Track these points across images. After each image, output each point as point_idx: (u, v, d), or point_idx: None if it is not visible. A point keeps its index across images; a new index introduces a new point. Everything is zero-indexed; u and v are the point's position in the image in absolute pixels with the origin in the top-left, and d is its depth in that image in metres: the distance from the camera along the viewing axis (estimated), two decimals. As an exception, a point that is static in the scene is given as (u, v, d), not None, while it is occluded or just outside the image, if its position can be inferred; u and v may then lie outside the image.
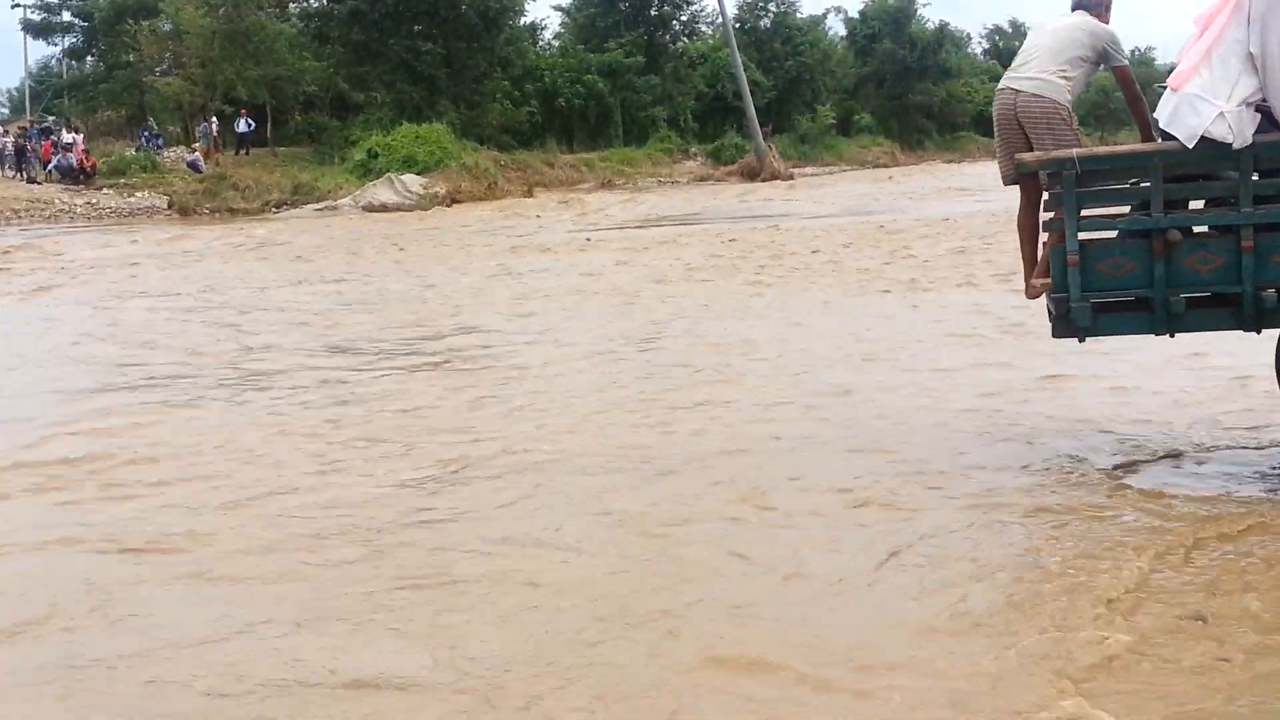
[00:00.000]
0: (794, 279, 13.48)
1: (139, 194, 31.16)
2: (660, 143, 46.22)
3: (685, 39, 53.28)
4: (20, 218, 28.43)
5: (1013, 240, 6.24)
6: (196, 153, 33.53)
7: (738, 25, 52.05)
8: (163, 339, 10.62)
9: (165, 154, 34.46)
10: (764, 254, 16.17)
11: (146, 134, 35.08)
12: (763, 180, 40.94)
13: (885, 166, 50.75)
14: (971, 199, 26.13)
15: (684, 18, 53.15)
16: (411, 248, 19.72)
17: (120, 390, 8.25)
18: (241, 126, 35.74)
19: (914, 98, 60.90)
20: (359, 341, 10.22)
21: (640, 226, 23.32)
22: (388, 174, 32.32)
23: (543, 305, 12.11)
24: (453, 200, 31.45)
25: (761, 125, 44.71)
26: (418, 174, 32.69)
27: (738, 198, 32.25)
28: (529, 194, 33.92)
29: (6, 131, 35.94)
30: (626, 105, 46.66)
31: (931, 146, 61.15)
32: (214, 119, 35.66)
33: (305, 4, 42.48)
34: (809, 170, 46.56)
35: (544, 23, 50.77)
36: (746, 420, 6.75)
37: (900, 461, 5.72)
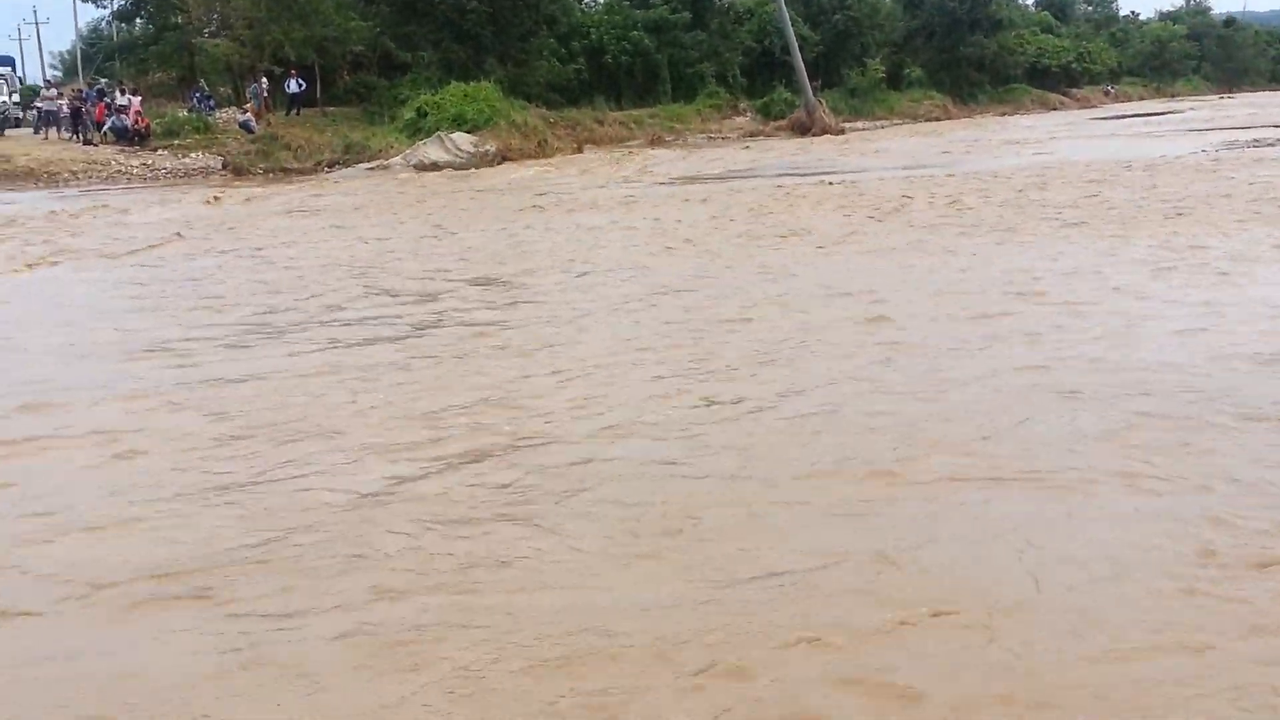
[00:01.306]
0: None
1: (193, 155, 31.54)
2: (709, 99, 46.22)
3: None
4: (78, 179, 28.96)
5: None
6: (248, 113, 33.86)
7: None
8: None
9: (217, 115, 34.75)
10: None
11: (198, 95, 35.43)
12: (813, 135, 40.98)
13: (937, 120, 50.54)
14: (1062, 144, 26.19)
15: (730, -28, 52.93)
16: (482, 205, 20.03)
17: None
18: (292, 87, 36.06)
19: (965, 50, 60.37)
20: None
21: (718, 179, 23.56)
22: (438, 132, 32.55)
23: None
24: (503, 158, 31.71)
25: (811, 80, 44.64)
26: (467, 132, 32.93)
27: (792, 153, 32.40)
28: (579, 151, 34.17)
29: (61, 94, 36.55)
30: (674, 62, 46.64)
31: (984, 99, 60.70)
32: (264, 79, 35.97)
33: (350, -37, 42.60)
34: (860, 125, 46.49)
35: (590, -19, 50.38)
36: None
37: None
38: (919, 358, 7.26)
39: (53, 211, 20.49)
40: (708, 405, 6.37)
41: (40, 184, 28.08)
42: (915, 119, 51.54)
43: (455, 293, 10.50)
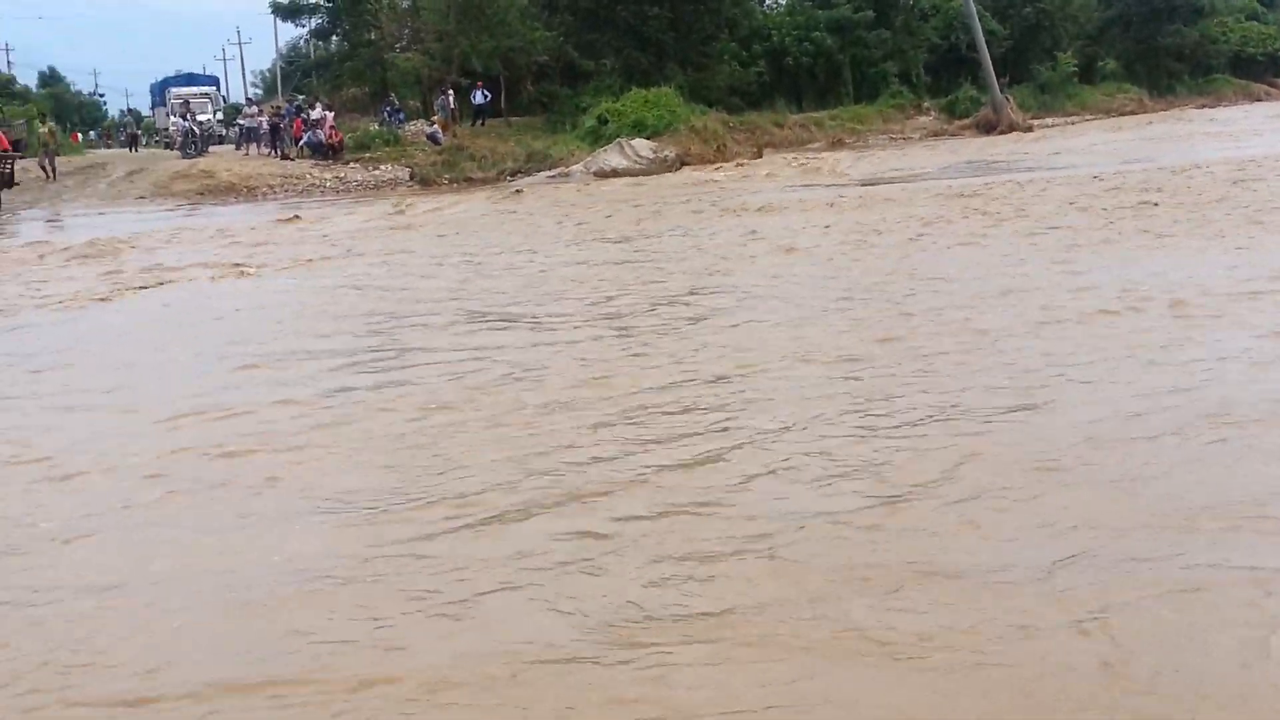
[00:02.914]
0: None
1: (383, 167, 32.47)
2: (892, 99, 45.50)
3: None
4: (275, 192, 30.15)
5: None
6: (435, 125, 34.71)
7: (972, -27, 50.60)
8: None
9: (406, 128, 35.72)
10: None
11: (389, 109, 36.51)
12: (1000, 133, 39.90)
13: (1132, 114, 48.57)
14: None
15: (914, -31, 52.03)
16: (663, 208, 20.07)
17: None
18: (478, 98, 36.93)
19: (1163, 40, 58.01)
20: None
21: (897, 181, 23.15)
22: (618, 139, 32.83)
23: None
24: (682, 163, 31.74)
25: (998, 76, 43.48)
26: (647, 138, 33.11)
27: (977, 150, 31.61)
28: (758, 155, 33.92)
29: (262, 111, 38.16)
30: (856, 61, 46.09)
31: (1182, 91, 58.19)
32: (451, 92, 36.88)
33: (537, -25, 43.37)
34: (1049, 121, 45.07)
35: (770, -19, 50.14)
36: None
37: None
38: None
39: (252, 226, 21.30)
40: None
41: (241, 198, 29.32)
42: (1108, 113, 49.71)
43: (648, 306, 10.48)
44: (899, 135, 41.37)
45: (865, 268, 11.53)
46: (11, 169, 27.87)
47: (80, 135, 58.38)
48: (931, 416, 6.08)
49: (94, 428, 6.84)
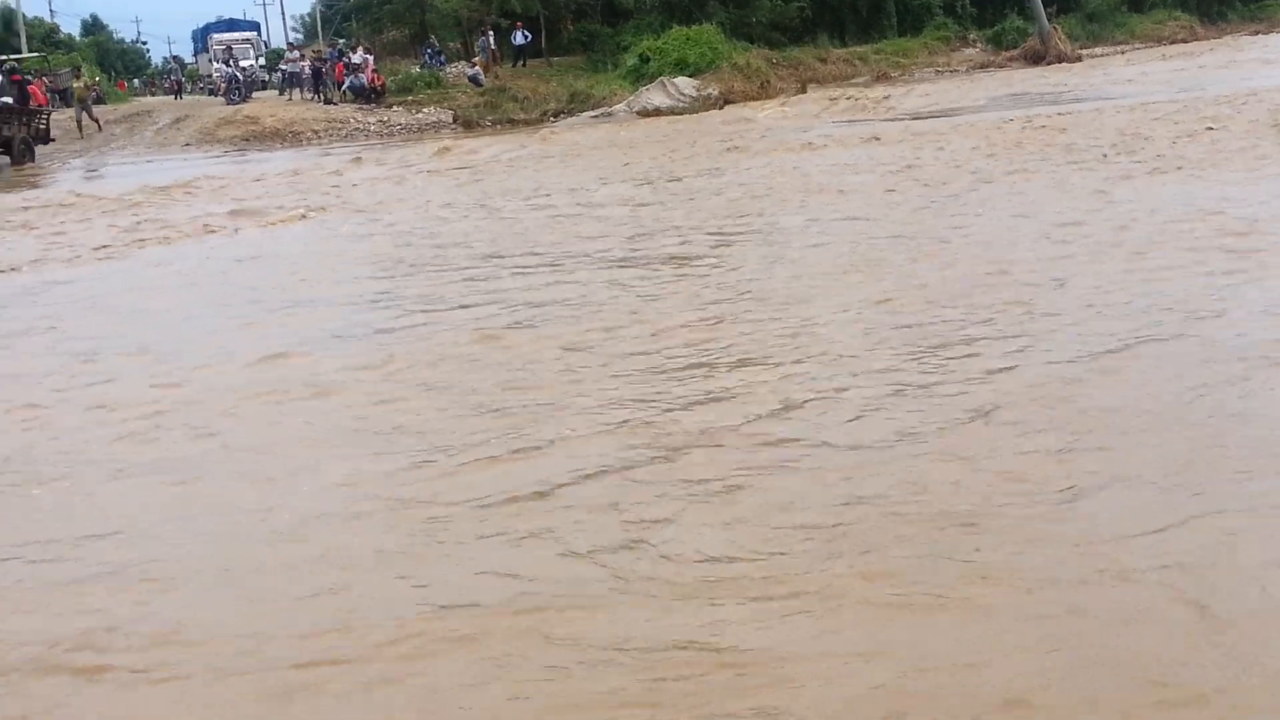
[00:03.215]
0: None
1: (425, 110, 32.47)
2: (936, 31, 44.82)
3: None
4: (320, 137, 30.26)
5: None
6: (476, 67, 34.64)
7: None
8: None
9: (447, 70, 35.69)
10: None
11: (429, 51, 36.45)
12: (1047, 64, 39.24)
13: (1183, 42, 47.55)
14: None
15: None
16: (706, 147, 19.97)
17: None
18: (518, 39, 36.77)
19: (1214, -35, 56.69)
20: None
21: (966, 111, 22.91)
22: (660, 78, 32.64)
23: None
24: (726, 101, 31.52)
25: (1045, 5, 42.67)
26: (689, 76, 32.91)
27: (1025, 81, 31.13)
28: (802, 90, 33.62)
29: (304, 56, 38.19)
30: (901, -5, 45.50)
31: (1234, 18, 56.78)
32: (491, 33, 36.76)
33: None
34: (1098, 51, 44.20)
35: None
36: None
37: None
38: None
39: (295, 170, 21.39)
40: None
41: (285, 143, 29.47)
42: (1159, 41, 48.71)
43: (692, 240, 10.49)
44: (945, 68, 40.79)
45: (915, 205, 11.45)
46: (47, 124, 28.00)
47: (126, 83, 58.67)
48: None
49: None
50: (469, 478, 4.77)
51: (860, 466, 4.61)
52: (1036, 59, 40.64)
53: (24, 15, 58.44)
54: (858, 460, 4.68)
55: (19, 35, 55.23)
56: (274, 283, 9.78)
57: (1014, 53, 42.49)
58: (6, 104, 25.98)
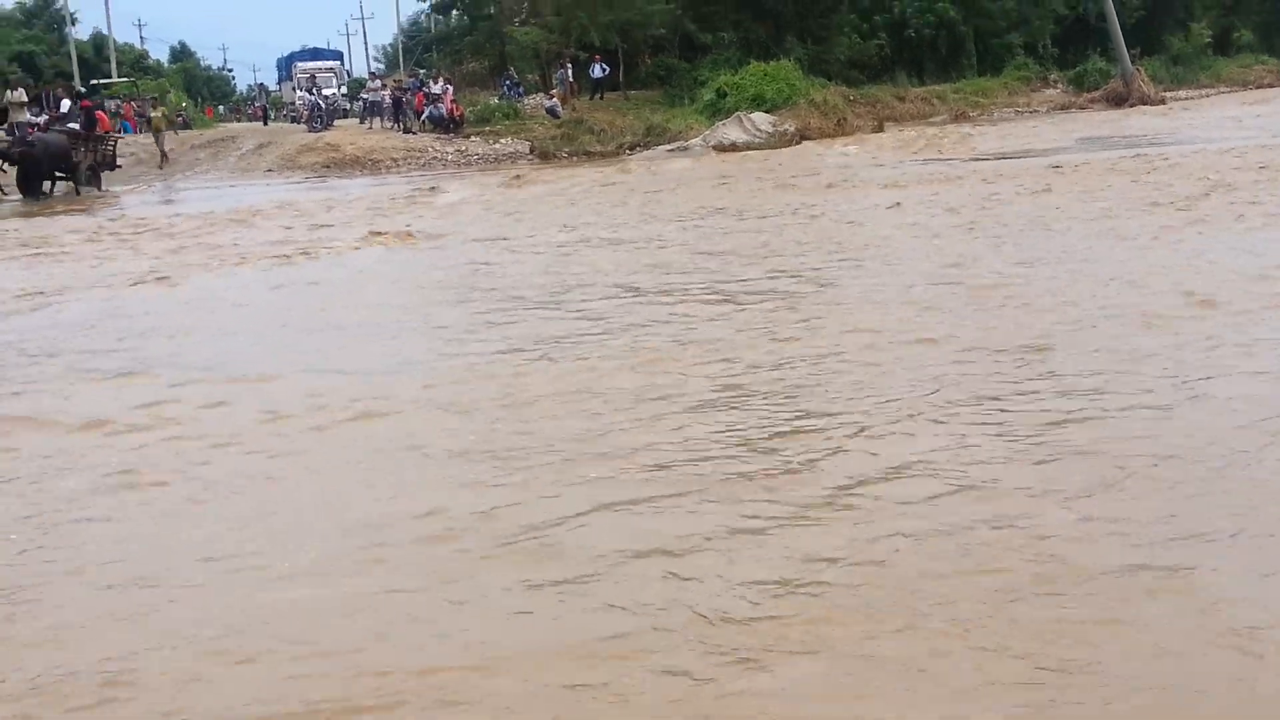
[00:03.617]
0: None
1: (503, 140, 32.68)
2: (1017, 71, 44.40)
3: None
4: (398, 166, 30.58)
5: None
6: (554, 99, 34.83)
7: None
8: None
9: (525, 101, 35.91)
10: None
11: (508, 83, 36.72)
12: (1129, 106, 38.75)
13: (1270, 86, 46.74)
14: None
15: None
16: (784, 182, 19.87)
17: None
18: (596, 72, 36.94)
19: (1302, 9, 55.70)
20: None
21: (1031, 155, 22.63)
22: (737, 113, 32.60)
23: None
24: (802, 137, 31.40)
25: (1129, 47, 42.15)
26: (766, 111, 32.84)
27: (1107, 124, 30.72)
28: (879, 129, 33.43)
29: (385, 85, 38.65)
30: (980, 33, 45.07)
31: (1320, 63, 55.84)
32: (569, 65, 36.98)
33: (653, -53, 43.17)
34: (1181, 94, 43.57)
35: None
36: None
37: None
38: None
39: (374, 200, 21.57)
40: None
41: (365, 171, 29.81)
42: (1244, 85, 47.94)
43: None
44: (1025, 108, 40.43)
45: (995, 245, 11.25)
46: (114, 151, 27.61)
47: (213, 109, 59.86)
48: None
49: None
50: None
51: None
52: (1119, 101, 40.16)
53: (115, 41, 59.93)
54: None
55: (109, 60, 56.64)
56: (347, 307, 9.82)
57: (1096, 94, 42.00)
58: (73, 130, 25.69)
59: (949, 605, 3.69)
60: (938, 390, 6.14)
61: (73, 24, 57.41)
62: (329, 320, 9.36)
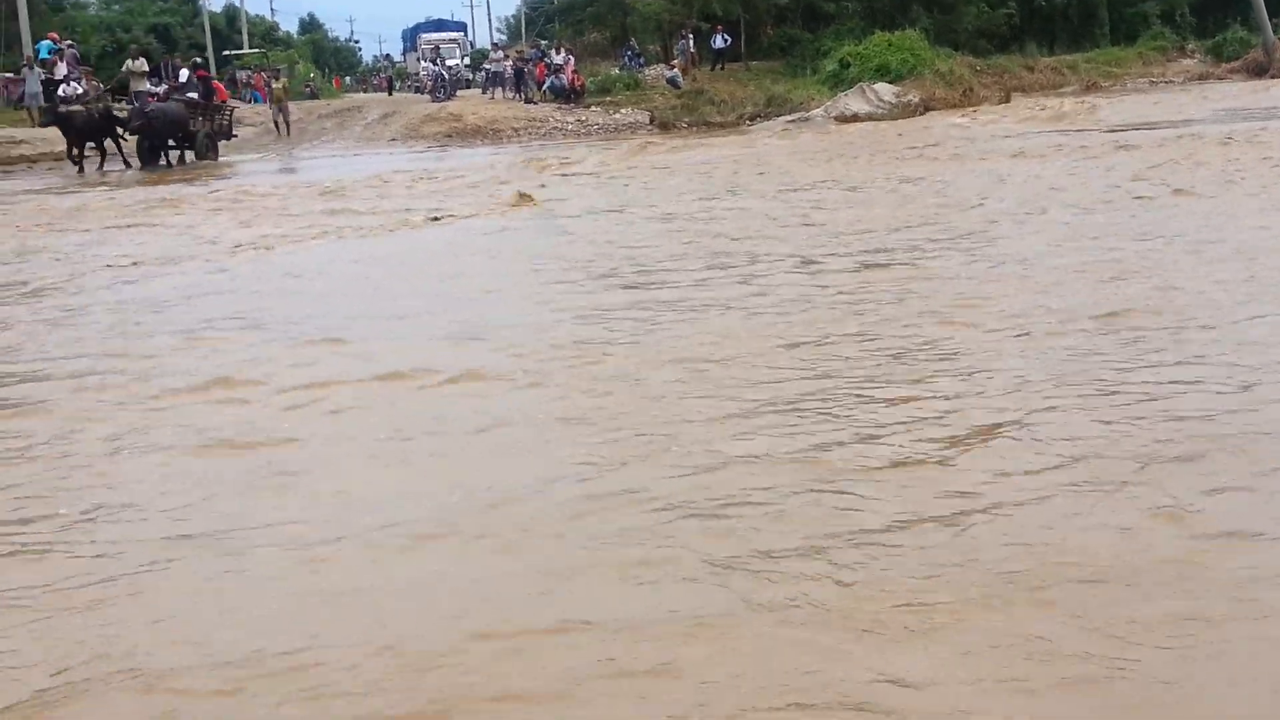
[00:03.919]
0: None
1: (623, 110, 32.62)
2: (1152, 40, 42.89)
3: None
4: (519, 135, 30.71)
5: None
6: (675, 69, 34.64)
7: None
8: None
9: (645, 72, 35.79)
10: None
11: (629, 53, 36.60)
12: (1271, 77, 37.14)
13: None
14: None
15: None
16: (908, 153, 19.50)
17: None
18: (717, 42, 36.66)
19: None
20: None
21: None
22: (859, 83, 32.07)
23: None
24: (926, 108, 30.77)
25: (1271, 16, 40.43)
26: (890, 82, 32.24)
27: (1247, 95, 29.47)
28: (1006, 100, 32.54)
29: (507, 56, 38.82)
30: (1114, 2, 43.69)
31: None
32: (690, 36, 36.73)
33: (779, -85, 42.57)
34: (1329, 65, 41.61)
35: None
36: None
37: None
38: None
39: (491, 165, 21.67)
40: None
41: (486, 140, 30.00)
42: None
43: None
44: (1160, 79, 39.01)
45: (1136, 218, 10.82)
46: (229, 120, 27.88)
47: (343, 80, 60.84)
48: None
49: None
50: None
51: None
52: (1259, 72, 38.47)
53: (246, 13, 61.20)
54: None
55: (241, 32, 57.88)
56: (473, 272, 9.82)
57: (1235, 65, 40.28)
58: (192, 99, 25.88)
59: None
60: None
61: (207, -3, 58.66)
62: (465, 285, 9.33)
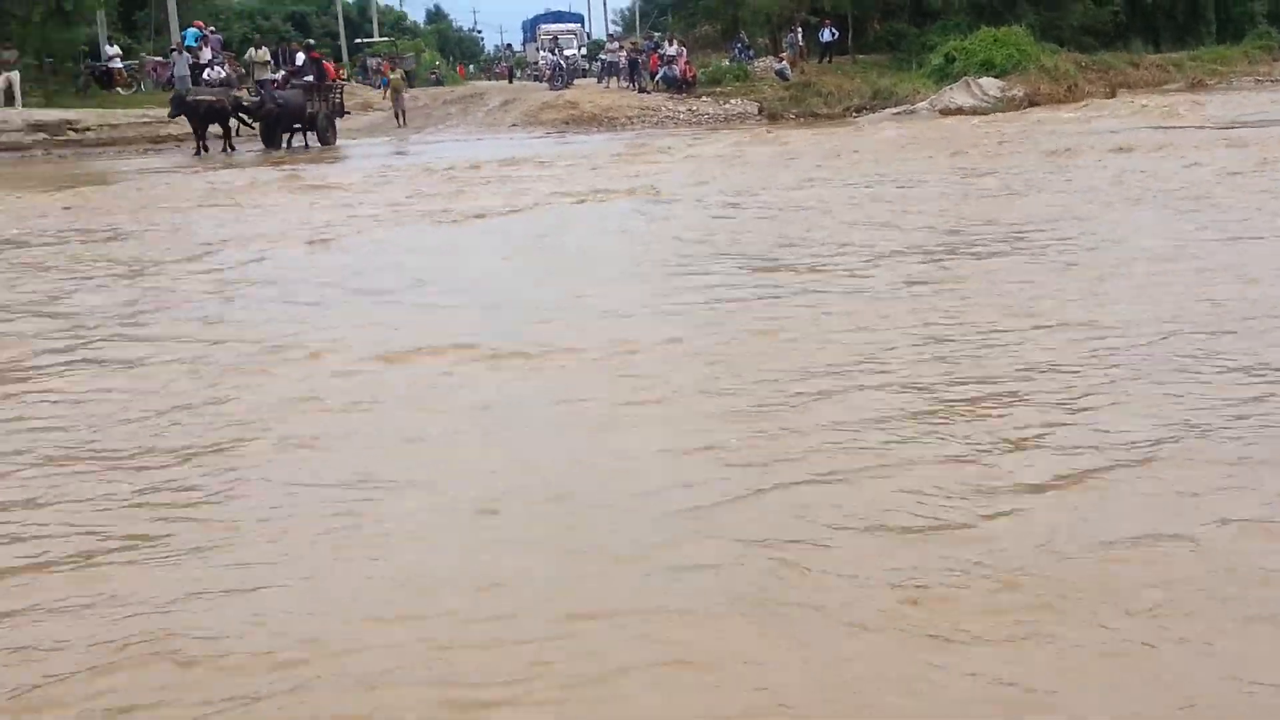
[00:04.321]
0: None
1: (732, 101, 32.51)
2: (1259, 39, 41.35)
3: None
4: (633, 123, 30.77)
5: None
6: (784, 61, 34.42)
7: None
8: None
9: (755, 64, 35.60)
10: None
11: (739, 46, 36.42)
12: (1378, 77, 35.80)
13: None
14: None
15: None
16: (1015, 146, 19.20)
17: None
18: (825, 36, 36.31)
19: None
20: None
21: None
22: (964, 77, 31.59)
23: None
24: (1031, 102, 30.17)
25: (1380, 17, 38.92)
26: (995, 77, 31.70)
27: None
28: (1111, 95, 31.75)
29: (621, 47, 38.93)
30: (1221, 1, 42.38)
31: None
32: (799, 29, 36.46)
33: (889, -87, 41.90)
34: None
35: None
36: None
37: None
38: None
39: (617, 152, 21.80)
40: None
41: (602, 128, 30.12)
42: None
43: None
44: (1266, 78, 37.74)
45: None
46: (341, 98, 28.08)
47: (466, 69, 61.49)
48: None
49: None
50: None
51: None
52: (1368, 71, 37.14)
53: (377, 3, 62.15)
54: None
55: (371, 21, 58.83)
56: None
57: (1345, 63, 38.89)
58: (308, 83, 26.17)
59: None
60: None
61: (341, -12, 59.65)
62: (597, 265, 9.50)
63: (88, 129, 26.80)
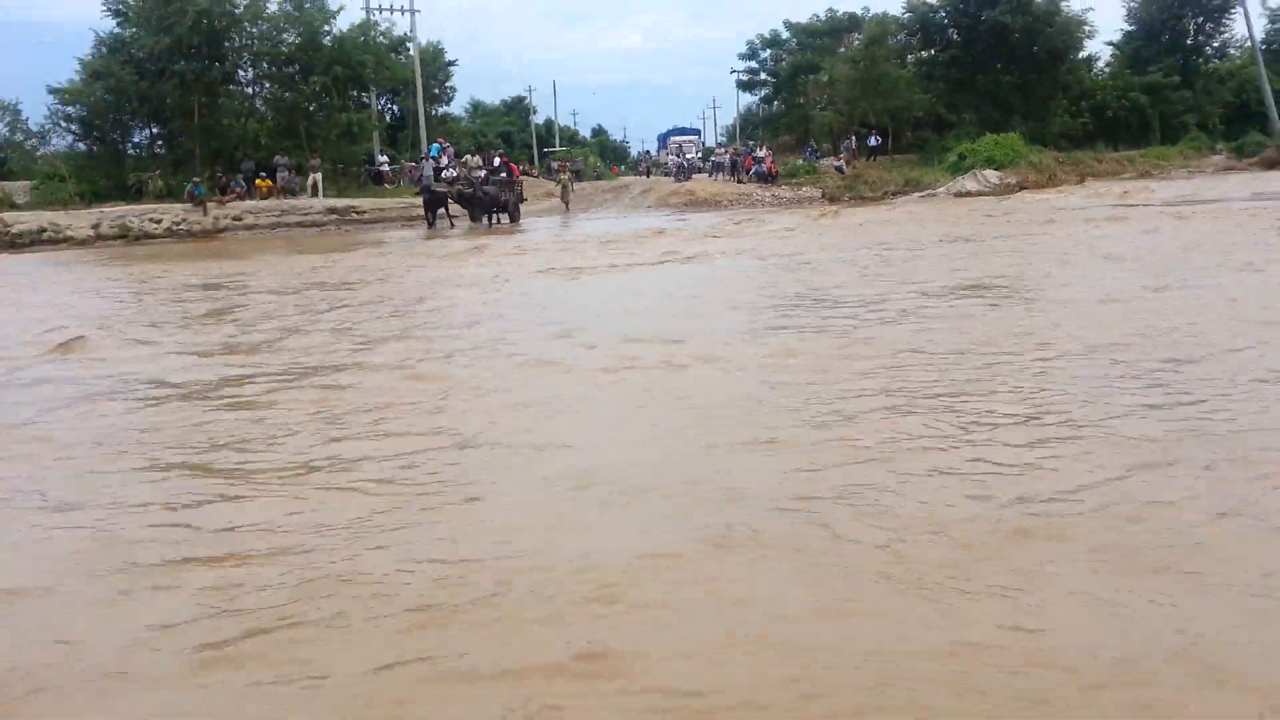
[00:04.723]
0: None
1: (804, 188, 31.87)
2: (1190, 142, 39.20)
3: (1216, 60, 44.62)
4: (733, 205, 30.26)
5: None
6: (841, 160, 33.70)
7: (1264, 45, 42.55)
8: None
9: (820, 162, 34.93)
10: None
11: (809, 149, 35.83)
12: (1280, 169, 33.35)
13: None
14: None
15: (1215, 44, 44.51)
16: (1010, 219, 18.33)
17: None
18: (872, 142, 35.48)
19: None
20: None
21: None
22: (973, 170, 30.49)
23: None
24: (1021, 188, 29.03)
25: (1284, 126, 36.35)
26: (995, 169, 30.53)
27: (1266, 181, 26.47)
28: (1080, 182, 30.33)
29: (726, 151, 38.51)
30: (1163, 115, 40.19)
31: None
32: (853, 137, 35.67)
33: (918, 55, 40.80)
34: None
35: (1098, 55, 44.64)
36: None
37: None
38: None
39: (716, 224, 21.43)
40: None
41: (711, 208, 29.70)
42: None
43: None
44: (1195, 169, 35.58)
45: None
46: (521, 190, 27.45)
47: (619, 169, 61.70)
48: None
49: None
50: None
51: None
52: (1271, 165, 34.65)
53: (558, 124, 62.85)
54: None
55: (554, 136, 59.51)
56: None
57: (1253, 160, 36.33)
58: (503, 178, 26.11)
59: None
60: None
61: (534, 114, 60.46)
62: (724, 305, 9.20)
63: (364, 211, 27.57)
